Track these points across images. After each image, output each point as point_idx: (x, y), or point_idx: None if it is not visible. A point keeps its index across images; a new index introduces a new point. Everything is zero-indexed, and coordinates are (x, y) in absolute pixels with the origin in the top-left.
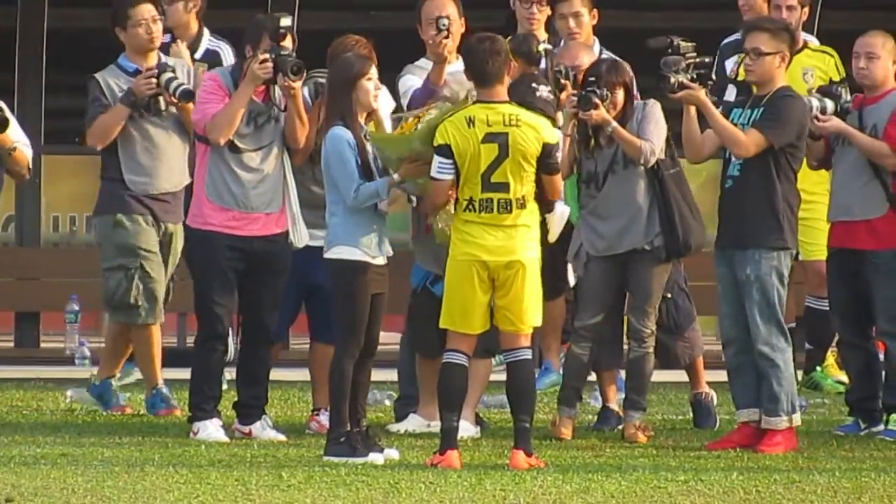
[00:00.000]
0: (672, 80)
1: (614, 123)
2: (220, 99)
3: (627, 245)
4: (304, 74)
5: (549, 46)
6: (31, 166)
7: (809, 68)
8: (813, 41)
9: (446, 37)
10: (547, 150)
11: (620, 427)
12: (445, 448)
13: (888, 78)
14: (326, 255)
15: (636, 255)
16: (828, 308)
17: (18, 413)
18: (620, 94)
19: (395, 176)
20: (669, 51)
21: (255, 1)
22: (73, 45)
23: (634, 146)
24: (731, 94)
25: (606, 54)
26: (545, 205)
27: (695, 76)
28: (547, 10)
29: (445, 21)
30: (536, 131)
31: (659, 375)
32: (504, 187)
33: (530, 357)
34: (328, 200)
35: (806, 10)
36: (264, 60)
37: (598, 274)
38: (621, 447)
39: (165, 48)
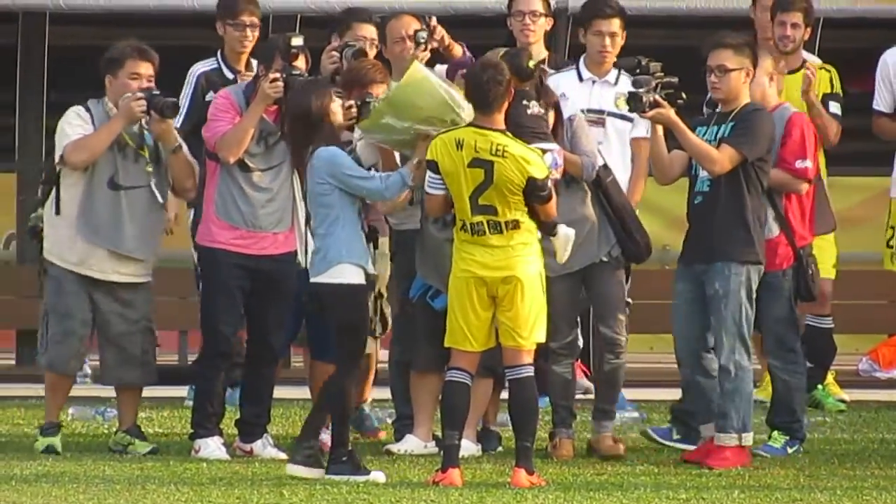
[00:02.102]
0: (645, 99)
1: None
2: (232, 117)
3: (585, 260)
4: None
5: (541, 63)
6: (196, 180)
7: None
8: (814, 60)
9: (424, 50)
10: (532, 185)
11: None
12: (447, 466)
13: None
14: (324, 279)
15: (595, 266)
16: (829, 326)
17: (20, 431)
18: (552, 116)
19: (415, 161)
20: (638, 70)
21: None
22: (75, 63)
23: (576, 164)
24: None
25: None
26: (545, 228)
27: (663, 95)
28: (544, 24)
29: (424, 34)
30: (522, 165)
31: (648, 394)
32: (492, 210)
33: (532, 374)
34: (318, 220)
35: (809, 29)
36: (275, 80)
37: (564, 292)
38: (622, 465)
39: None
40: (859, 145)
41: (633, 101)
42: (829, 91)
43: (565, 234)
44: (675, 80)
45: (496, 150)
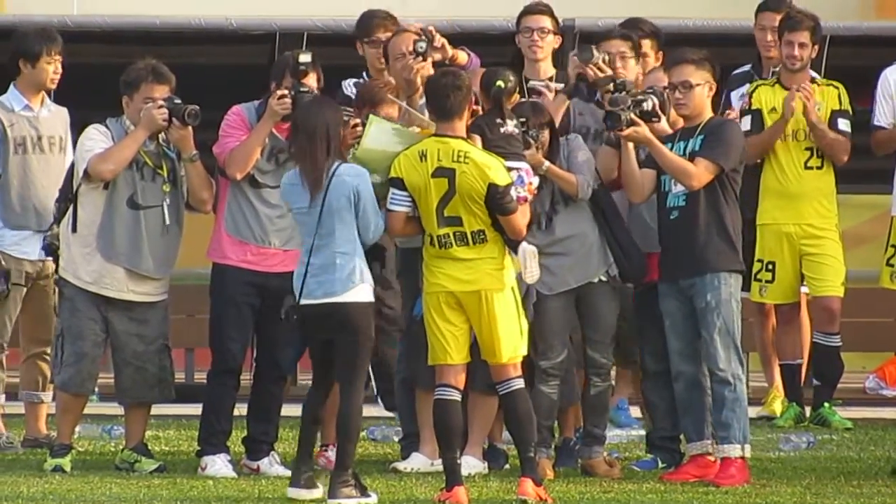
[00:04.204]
0: (622, 117)
1: (547, 163)
2: (242, 135)
3: (582, 279)
4: None
5: (507, 85)
6: (213, 193)
7: (817, 102)
8: (817, 77)
9: (424, 60)
10: (493, 191)
11: (581, 462)
12: (452, 484)
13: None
14: (349, 298)
15: (591, 286)
16: (837, 345)
17: (27, 449)
18: (546, 134)
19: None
20: (612, 88)
21: (264, 37)
22: (83, 81)
23: (569, 182)
24: (745, 124)
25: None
26: (511, 245)
27: (637, 113)
28: (553, 41)
29: (423, 45)
30: (483, 171)
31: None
32: (458, 221)
33: (522, 386)
34: (341, 239)
35: (816, 47)
36: (282, 96)
37: (557, 311)
38: (629, 483)
39: None
40: (867, 162)
41: (611, 120)
42: (837, 108)
43: (522, 251)
44: (650, 98)
45: (457, 157)
